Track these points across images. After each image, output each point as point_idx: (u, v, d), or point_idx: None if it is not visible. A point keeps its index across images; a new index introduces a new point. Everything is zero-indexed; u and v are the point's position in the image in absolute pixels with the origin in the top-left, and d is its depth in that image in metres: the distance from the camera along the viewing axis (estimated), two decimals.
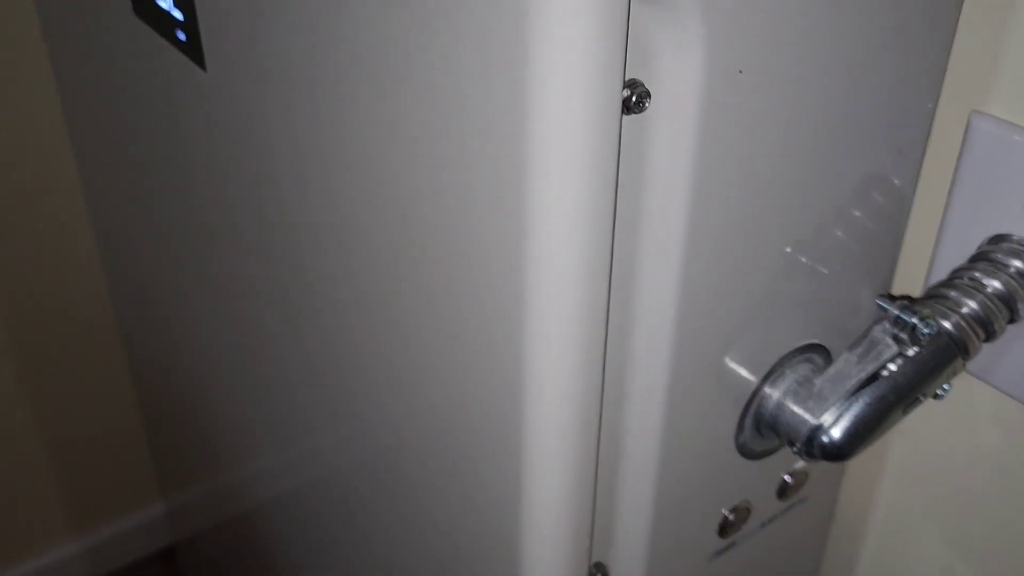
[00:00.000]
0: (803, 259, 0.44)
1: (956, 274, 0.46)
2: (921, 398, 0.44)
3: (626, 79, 0.33)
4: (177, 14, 0.55)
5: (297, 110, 0.47)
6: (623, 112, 0.33)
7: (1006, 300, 0.44)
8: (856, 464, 0.57)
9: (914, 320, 0.43)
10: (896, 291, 0.52)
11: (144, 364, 1.00)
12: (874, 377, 0.43)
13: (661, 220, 0.37)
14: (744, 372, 0.44)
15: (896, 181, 0.45)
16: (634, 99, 0.33)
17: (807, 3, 0.35)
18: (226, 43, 0.52)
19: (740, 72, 0.35)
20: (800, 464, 0.51)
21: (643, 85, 0.33)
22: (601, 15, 0.30)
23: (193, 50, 0.55)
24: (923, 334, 0.43)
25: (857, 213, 0.45)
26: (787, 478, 0.51)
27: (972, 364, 0.49)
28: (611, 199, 0.34)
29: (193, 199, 0.64)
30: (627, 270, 0.37)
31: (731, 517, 0.49)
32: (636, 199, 0.36)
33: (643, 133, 0.35)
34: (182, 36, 0.55)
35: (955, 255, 0.48)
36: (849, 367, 0.44)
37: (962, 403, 0.51)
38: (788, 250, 0.42)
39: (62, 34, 0.78)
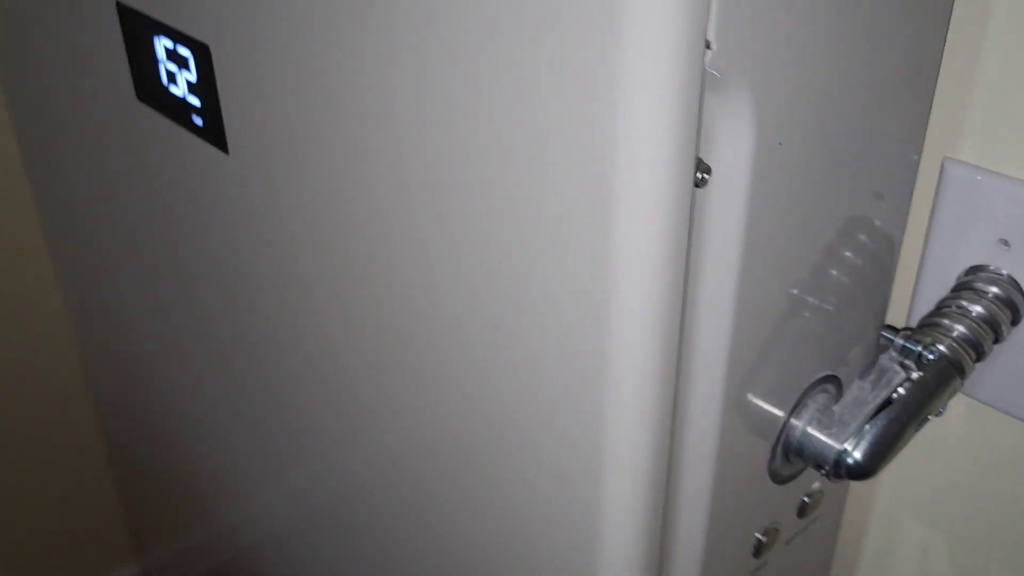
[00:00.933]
0: (818, 301, 0.49)
1: (943, 304, 0.52)
2: (929, 417, 0.49)
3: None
4: (194, 100, 0.57)
5: (347, 187, 0.50)
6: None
7: (991, 323, 0.50)
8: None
9: (919, 348, 0.49)
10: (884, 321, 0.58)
11: (118, 422, 0.99)
12: (888, 401, 0.49)
13: (715, 281, 0.41)
14: (774, 408, 0.49)
15: (888, 226, 0.51)
16: (700, 176, 0.38)
17: (827, 80, 0.40)
18: (251, 127, 0.54)
19: (780, 144, 0.40)
20: (816, 484, 0.56)
21: (705, 163, 0.38)
22: (680, 107, 0.34)
23: (212, 134, 0.57)
24: (927, 360, 0.49)
25: (857, 256, 0.50)
26: (806, 498, 0.56)
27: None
28: (682, 263, 0.38)
29: (202, 279, 0.66)
30: (687, 330, 0.42)
31: (764, 539, 0.53)
32: (695, 262, 0.40)
33: (702, 203, 0.39)
34: (199, 121, 0.57)
35: (936, 286, 0.54)
36: (864, 394, 0.50)
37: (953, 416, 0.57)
38: (808, 297, 0.47)
39: (36, 110, 0.78)
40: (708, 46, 0.35)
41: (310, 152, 0.51)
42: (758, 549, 0.54)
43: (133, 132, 0.64)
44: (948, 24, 0.46)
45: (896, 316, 0.57)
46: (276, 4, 0.48)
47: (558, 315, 0.41)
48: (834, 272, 0.49)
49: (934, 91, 0.48)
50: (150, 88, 0.60)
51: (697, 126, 0.35)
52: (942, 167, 0.51)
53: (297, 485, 0.71)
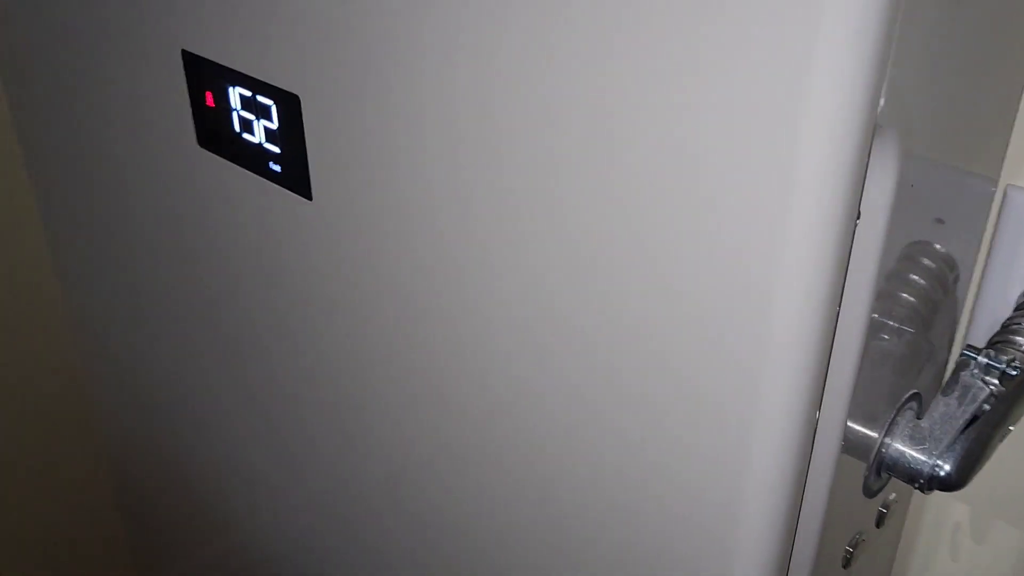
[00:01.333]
0: (905, 326, 0.52)
1: (1011, 321, 0.55)
2: (1011, 428, 0.53)
3: None
4: (272, 147, 0.57)
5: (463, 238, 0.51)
6: None
7: None
8: None
9: (1003, 366, 0.52)
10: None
11: (123, 444, 0.97)
12: (975, 416, 0.52)
13: (849, 316, 0.44)
14: (872, 431, 0.52)
15: (965, 253, 0.54)
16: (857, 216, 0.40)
17: (948, 129, 0.43)
18: (335, 174, 0.54)
19: (912, 186, 0.42)
20: (892, 495, 0.59)
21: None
22: (853, 157, 0.37)
23: (293, 181, 0.57)
24: (1010, 376, 0.52)
25: (938, 282, 0.53)
26: (883, 509, 0.59)
27: None
28: (837, 299, 0.41)
29: (266, 322, 0.65)
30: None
31: (852, 550, 0.56)
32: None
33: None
34: (276, 168, 0.57)
35: (995, 306, 0.57)
36: (952, 410, 0.53)
37: None
38: (899, 323, 0.50)
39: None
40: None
41: (402, 194, 0.52)
42: (847, 560, 0.56)
43: (192, 176, 0.64)
44: None
45: (959, 333, 0.60)
46: (365, 57, 0.48)
47: (724, 340, 0.43)
48: (919, 297, 0.52)
49: (1012, 130, 0.51)
50: (215, 134, 0.60)
51: (864, 174, 0.38)
52: (1005, 193, 0.55)
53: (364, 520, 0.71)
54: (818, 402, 0.43)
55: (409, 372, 0.58)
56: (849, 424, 0.50)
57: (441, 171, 0.49)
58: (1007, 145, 0.52)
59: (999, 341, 0.55)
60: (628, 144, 0.41)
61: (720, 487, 0.46)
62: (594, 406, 0.49)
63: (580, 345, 0.48)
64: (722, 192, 0.39)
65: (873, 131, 0.37)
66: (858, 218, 0.40)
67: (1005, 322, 0.56)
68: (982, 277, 0.58)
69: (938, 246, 0.55)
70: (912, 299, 0.54)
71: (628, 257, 0.44)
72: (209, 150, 0.61)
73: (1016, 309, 0.56)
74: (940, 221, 0.54)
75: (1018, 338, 0.54)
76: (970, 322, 0.60)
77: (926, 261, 0.54)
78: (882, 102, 0.36)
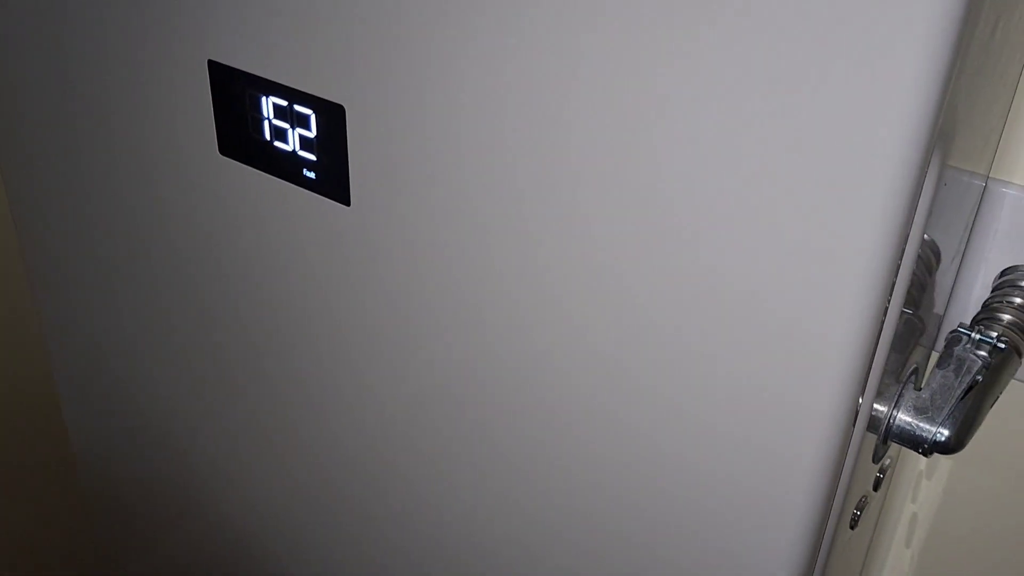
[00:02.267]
0: (912, 309, 0.57)
1: (992, 301, 0.62)
2: (999, 395, 0.59)
3: None
4: (307, 155, 0.58)
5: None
6: None
7: None
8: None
9: (993, 340, 0.58)
10: None
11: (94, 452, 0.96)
12: (971, 386, 0.58)
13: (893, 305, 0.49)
14: (883, 407, 0.57)
15: (961, 241, 0.60)
16: None
17: (970, 133, 0.49)
18: (375, 182, 0.56)
19: (945, 184, 0.47)
20: (887, 460, 0.65)
21: None
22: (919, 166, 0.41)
23: (330, 188, 0.58)
24: (999, 349, 0.58)
25: (936, 267, 0.59)
26: (879, 474, 0.65)
27: None
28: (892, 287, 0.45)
29: (284, 325, 0.66)
30: None
31: (858, 512, 0.62)
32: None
33: None
34: (311, 175, 0.59)
35: (972, 288, 0.64)
36: (950, 381, 0.59)
37: None
38: (910, 307, 0.56)
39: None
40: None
41: (442, 201, 0.54)
42: (854, 522, 0.62)
43: (215, 183, 0.64)
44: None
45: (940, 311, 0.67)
46: (409, 67, 0.51)
47: (788, 334, 0.47)
48: (913, 282, 0.57)
49: (1001, 135, 0.57)
50: (239, 142, 0.61)
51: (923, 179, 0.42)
52: (987, 186, 0.61)
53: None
54: (862, 390, 0.48)
55: (445, 378, 0.61)
56: (877, 405, 0.56)
57: (481, 178, 0.52)
58: (997, 146, 0.58)
59: (984, 319, 0.61)
60: (708, 149, 0.45)
61: (772, 471, 0.50)
62: (670, 384, 0.53)
63: (630, 345, 0.52)
64: (804, 196, 0.43)
65: (935, 140, 0.42)
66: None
67: (986, 301, 0.62)
68: (962, 261, 0.64)
69: (925, 235, 0.61)
70: (926, 286, 0.60)
71: (696, 250, 0.47)
72: (232, 158, 0.62)
73: (994, 290, 0.63)
74: (962, 215, 0.60)
75: (1000, 315, 0.60)
76: (949, 302, 0.66)
77: (941, 250, 0.60)
78: (943, 115, 0.41)
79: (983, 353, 0.59)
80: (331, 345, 0.65)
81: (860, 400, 0.50)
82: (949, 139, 0.44)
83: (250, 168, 0.61)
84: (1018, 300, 0.61)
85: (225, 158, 0.62)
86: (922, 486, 0.78)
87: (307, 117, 0.57)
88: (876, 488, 0.65)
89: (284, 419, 0.72)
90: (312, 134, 0.57)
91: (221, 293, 0.69)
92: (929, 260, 0.62)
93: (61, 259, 0.80)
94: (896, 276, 0.45)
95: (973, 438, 0.70)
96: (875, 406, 0.56)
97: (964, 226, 0.61)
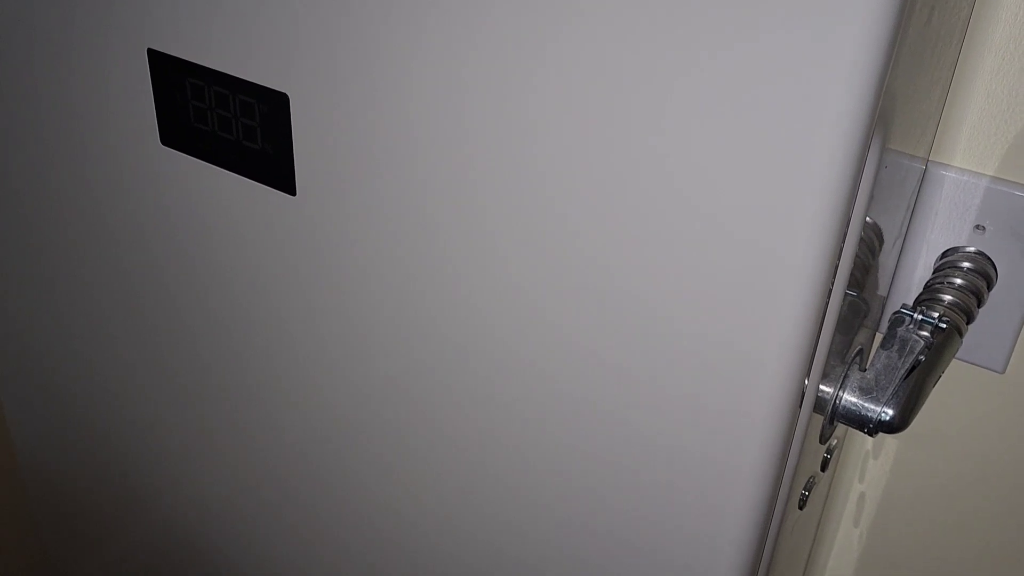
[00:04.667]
0: (857, 292, 0.58)
1: (934, 281, 0.63)
2: (941, 374, 0.61)
3: None
4: (250, 144, 0.57)
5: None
6: None
7: (974, 291, 0.62)
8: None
9: (934, 320, 0.60)
10: None
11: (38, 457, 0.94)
12: (914, 366, 0.59)
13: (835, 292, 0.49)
14: (829, 387, 0.58)
15: (903, 225, 0.61)
16: None
17: (911, 116, 0.49)
18: (320, 171, 0.56)
19: (886, 167, 0.48)
20: (834, 442, 0.66)
21: None
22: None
23: (276, 177, 0.58)
24: (941, 328, 0.60)
25: (879, 252, 0.60)
26: (826, 454, 0.66)
27: None
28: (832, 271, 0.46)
29: (231, 317, 0.66)
30: None
31: (806, 493, 0.63)
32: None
33: None
34: (255, 164, 0.58)
35: (914, 269, 0.65)
36: (893, 361, 0.60)
37: None
38: (854, 290, 0.57)
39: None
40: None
41: (389, 189, 0.54)
42: (803, 502, 0.63)
43: (156, 174, 0.63)
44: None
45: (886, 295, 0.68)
46: (355, 55, 0.50)
47: (726, 321, 0.47)
48: (857, 264, 0.58)
49: (941, 116, 0.58)
50: (181, 132, 0.60)
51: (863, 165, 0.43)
52: (927, 169, 0.62)
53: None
54: (807, 371, 0.49)
55: (391, 367, 0.60)
56: (821, 385, 0.57)
57: (426, 167, 0.52)
58: (936, 129, 0.59)
59: (926, 299, 0.62)
60: (639, 143, 0.45)
61: (720, 453, 0.51)
62: (614, 381, 0.53)
63: (578, 324, 0.52)
64: (747, 178, 0.43)
65: (874, 124, 0.42)
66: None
67: (928, 282, 0.63)
68: (903, 243, 0.65)
69: (868, 218, 0.62)
70: (871, 270, 0.61)
71: (640, 229, 0.48)
72: (174, 148, 0.61)
73: (935, 271, 0.64)
74: (906, 201, 0.61)
75: (942, 295, 0.61)
76: (892, 283, 0.67)
77: (885, 236, 0.61)
78: (880, 99, 0.42)
79: (925, 333, 0.60)
80: (277, 336, 0.65)
81: (806, 382, 0.50)
82: (888, 123, 0.45)
83: (193, 158, 0.61)
84: (958, 281, 0.62)
85: (167, 148, 0.61)
86: (869, 465, 0.79)
87: (251, 105, 0.56)
88: (824, 468, 0.66)
89: (225, 411, 0.72)
90: (255, 123, 0.57)
91: (164, 285, 0.68)
92: (872, 242, 0.63)
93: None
94: (839, 258, 0.46)
95: (918, 418, 0.71)
96: (821, 387, 0.57)
97: (905, 208, 0.62)
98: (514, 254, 0.51)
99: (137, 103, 0.61)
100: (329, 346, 0.63)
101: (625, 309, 0.50)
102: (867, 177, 0.46)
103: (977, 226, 0.62)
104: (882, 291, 0.68)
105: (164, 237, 0.65)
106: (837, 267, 0.46)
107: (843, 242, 0.45)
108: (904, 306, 0.62)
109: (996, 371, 0.66)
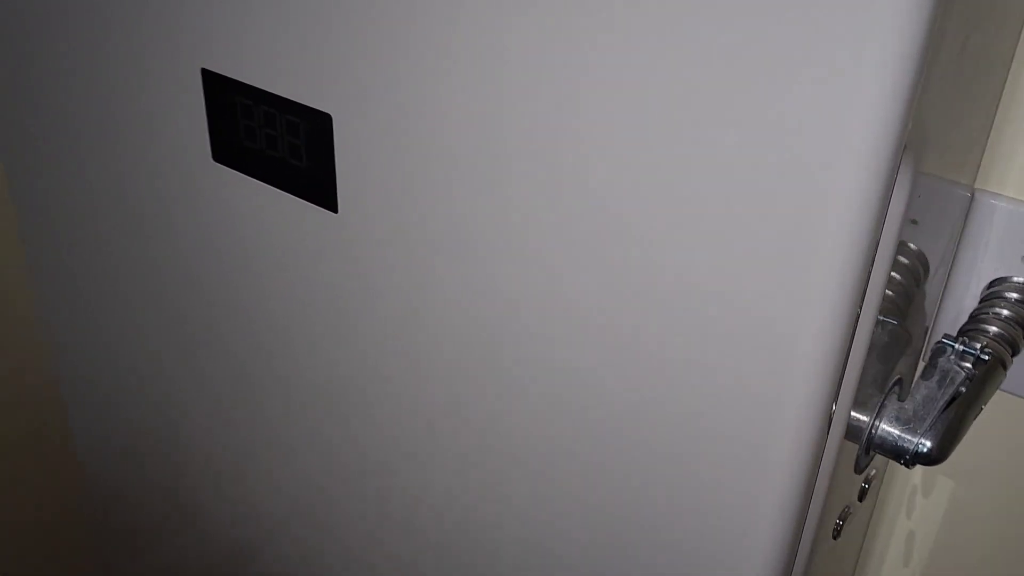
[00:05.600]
0: (893, 320, 0.57)
1: (979, 312, 0.62)
2: (983, 407, 0.59)
3: None
4: (296, 162, 0.59)
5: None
6: None
7: (1021, 323, 0.61)
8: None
9: (976, 351, 0.58)
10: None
11: (93, 442, 0.97)
12: (954, 397, 0.58)
13: (865, 316, 0.49)
14: (864, 416, 0.57)
15: (947, 253, 0.60)
16: None
17: (947, 156, 0.49)
18: (362, 190, 0.57)
19: (919, 197, 0.48)
20: (873, 471, 0.65)
21: None
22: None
23: (318, 194, 0.59)
24: (983, 360, 0.58)
25: (901, 275, 0.59)
26: (864, 484, 0.65)
27: None
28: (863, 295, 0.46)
29: (273, 331, 0.67)
30: None
31: (841, 523, 0.62)
32: None
33: None
34: (300, 181, 0.60)
35: (960, 299, 0.64)
36: (933, 392, 0.59)
37: None
38: (889, 317, 0.56)
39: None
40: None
41: (425, 214, 0.55)
42: (836, 532, 0.62)
43: (208, 191, 0.65)
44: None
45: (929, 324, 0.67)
46: (395, 76, 0.51)
47: (752, 329, 0.47)
48: (889, 292, 0.58)
49: (987, 141, 0.57)
50: (233, 149, 0.62)
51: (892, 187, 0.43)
52: (972, 196, 0.61)
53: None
54: (835, 396, 0.48)
55: (433, 380, 0.61)
56: (852, 413, 0.56)
57: (468, 185, 0.53)
58: (982, 156, 0.58)
59: (971, 330, 0.61)
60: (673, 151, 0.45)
61: (742, 478, 0.50)
62: (639, 391, 0.53)
63: (603, 351, 0.52)
64: (769, 203, 0.43)
65: (902, 149, 0.42)
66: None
67: (973, 312, 0.62)
68: (950, 272, 0.64)
69: (912, 245, 0.61)
70: (892, 293, 0.60)
71: (665, 252, 0.48)
72: (225, 164, 0.63)
73: (981, 301, 0.63)
74: (914, 222, 0.60)
75: (987, 326, 0.60)
76: (938, 312, 0.66)
77: (902, 259, 0.60)
78: (910, 124, 0.41)
79: (967, 364, 0.59)
80: (322, 351, 0.66)
81: (834, 407, 0.50)
82: (921, 149, 0.45)
83: (243, 175, 0.63)
84: (1004, 312, 0.61)
85: (219, 165, 0.63)
86: (918, 503, 0.78)
87: (296, 125, 0.58)
88: (861, 499, 0.65)
89: (275, 422, 0.73)
90: (301, 142, 0.58)
91: (216, 298, 0.70)
92: (916, 270, 0.62)
93: (62, 263, 0.82)
94: (868, 284, 0.46)
95: (969, 452, 0.70)
96: (856, 415, 0.56)
97: (950, 236, 0.61)
98: (564, 268, 0.52)
99: (192, 121, 0.63)
100: (371, 364, 0.64)
101: (645, 328, 0.50)
102: (898, 201, 0.45)
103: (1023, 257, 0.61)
104: (927, 321, 0.67)
105: (218, 252, 0.68)
106: (865, 292, 0.46)
107: (871, 267, 0.44)
108: (947, 336, 0.61)
109: None
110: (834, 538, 0.62)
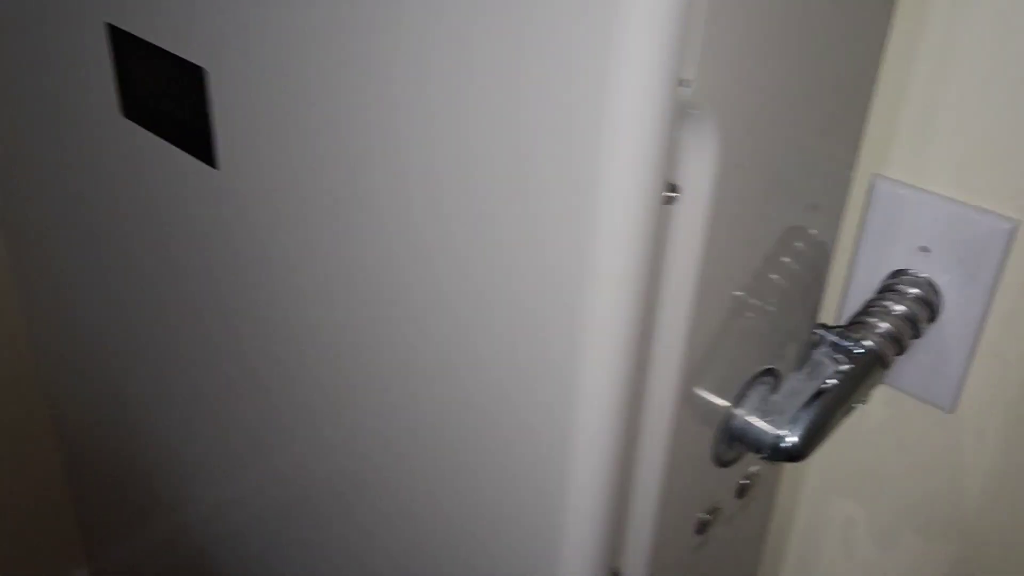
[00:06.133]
0: (760, 303, 0.54)
1: (870, 304, 0.57)
2: (854, 406, 0.55)
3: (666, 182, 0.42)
4: (184, 117, 0.59)
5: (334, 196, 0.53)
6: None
7: (911, 320, 0.56)
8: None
9: (849, 344, 0.54)
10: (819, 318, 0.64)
11: (73, 423, 1.00)
12: (820, 391, 0.54)
13: (678, 288, 0.46)
14: (720, 399, 0.54)
15: (823, 235, 0.56)
16: (669, 195, 0.42)
17: (781, 109, 0.45)
18: (241, 143, 0.57)
19: (738, 166, 0.45)
20: (754, 468, 0.61)
21: (678, 186, 0.43)
22: (653, 136, 0.39)
23: (200, 149, 0.59)
24: (856, 354, 0.54)
25: (795, 262, 0.55)
26: (744, 480, 0.61)
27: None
28: (648, 271, 0.43)
29: (182, 283, 0.68)
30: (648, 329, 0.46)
31: (707, 517, 0.59)
32: (662, 270, 0.45)
33: (671, 217, 0.44)
34: (188, 137, 0.60)
35: (864, 288, 0.59)
36: (800, 384, 0.55)
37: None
38: (752, 299, 0.53)
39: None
40: (686, 83, 0.39)
41: (301, 159, 0.54)
42: (702, 526, 0.59)
43: (118, 146, 0.66)
44: (881, 54, 0.52)
45: (829, 315, 0.63)
46: (272, 29, 0.51)
47: (531, 316, 0.45)
48: (775, 276, 0.54)
49: (867, 116, 0.53)
50: (137, 105, 0.63)
51: (669, 151, 0.40)
52: (872, 183, 0.57)
53: (258, 483, 0.74)
54: (631, 373, 0.45)
55: (308, 341, 0.61)
56: (697, 391, 0.53)
57: (342, 146, 0.52)
58: (860, 133, 0.53)
59: (855, 322, 0.57)
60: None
61: (543, 453, 0.48)
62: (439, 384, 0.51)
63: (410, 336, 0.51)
64: (534, 179, 0.41)
65: (677, 109, 0.39)
66: (672, 196, 0.42)
67: (865, 303, 0.58)
68: (853, 261, 0.60)
69: (814, 232, 0.57)
70: (778, 280, 0.56)
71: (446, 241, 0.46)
72: (131, 120, 0.64)
73: (878, 292, 0.58)
74: (816, 208, 0.56)
75: (871, 319, 0.56)
76: (842, 304, 0.62)
77: (797, 243, 0.56)
78: (690, 85, 0.39)
79: (840, 357, 0.55)
80: (208, 307, 0.67)
81: (645, 386, 0.47)
82: (727, 114, 0.42)
83: (142, 129, 0.63)
84: (896, 307, 0.56)
85: (126, 120, 0.65)
86: (861, 546, 0.73)
87: (177, 79, 0.58)
88: (741, 495, 0.61)
89: (163, 368, 0.74)
90: (182, 96, 0.59)
91: (132, 251, 0.72)
92: (811, 256, 0.58)
93: None
94: (662, 254, 0.43)
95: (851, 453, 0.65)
96: (711, 399, 0.53)
97: (816, 217, 0.57)
98: (433, 224, 0.50)
99: (100, 76, 0.64)
100: (258, 322, 0.64)
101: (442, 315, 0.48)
102: (698, 164, 0.42)
103: (922, 247, 0.56)
104: (826, 309, 0.62)
105: (128, 210, 0.69)
106: (661, 259, 0.43)
107: (652, 225, 0.42)
108: (822, 326, 0.57)
109: (943, 409, 0.60)
110: (698, 533, 0.59)
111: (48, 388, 0.98)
